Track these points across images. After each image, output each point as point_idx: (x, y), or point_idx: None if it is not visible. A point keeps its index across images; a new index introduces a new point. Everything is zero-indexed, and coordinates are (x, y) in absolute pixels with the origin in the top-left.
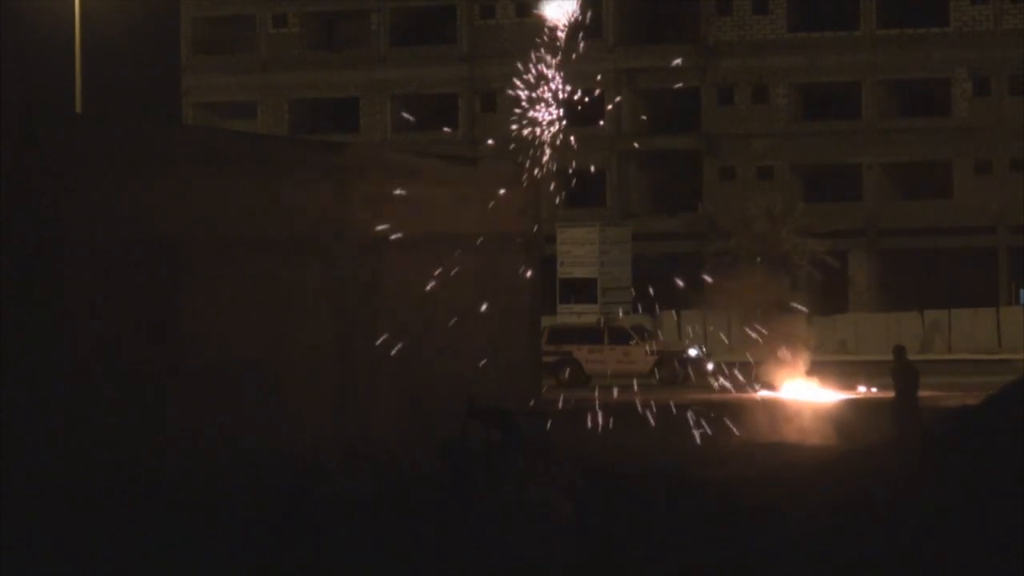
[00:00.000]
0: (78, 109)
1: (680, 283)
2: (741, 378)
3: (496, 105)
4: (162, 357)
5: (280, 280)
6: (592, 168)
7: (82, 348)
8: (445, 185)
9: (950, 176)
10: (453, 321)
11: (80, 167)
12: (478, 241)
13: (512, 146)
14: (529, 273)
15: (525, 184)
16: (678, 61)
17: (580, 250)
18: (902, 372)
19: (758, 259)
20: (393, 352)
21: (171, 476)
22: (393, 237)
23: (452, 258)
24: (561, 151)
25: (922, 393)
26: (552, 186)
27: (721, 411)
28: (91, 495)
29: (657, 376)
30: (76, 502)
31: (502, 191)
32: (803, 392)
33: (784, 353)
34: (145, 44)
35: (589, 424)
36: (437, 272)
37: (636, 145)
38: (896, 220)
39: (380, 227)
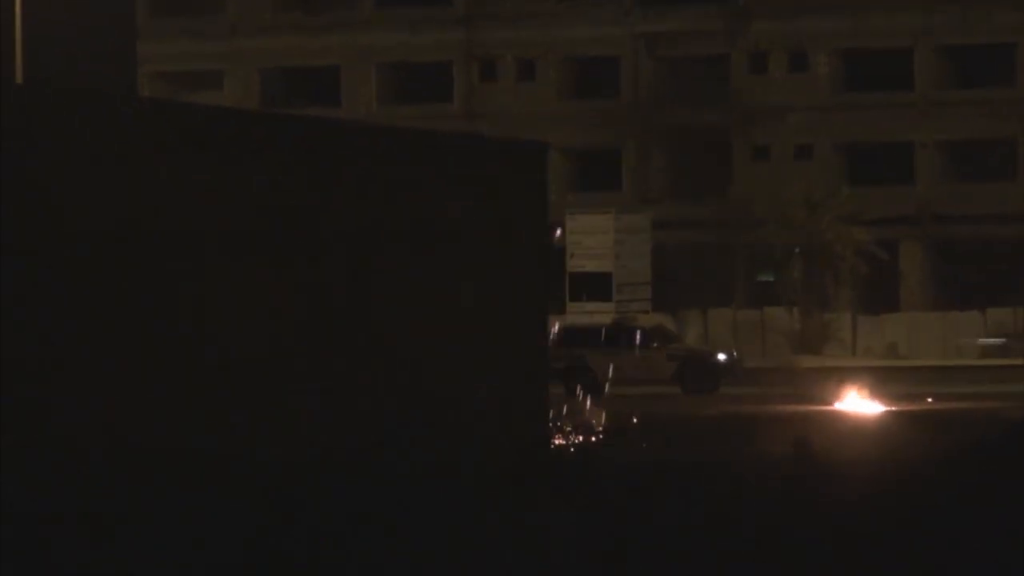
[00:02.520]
0: (17, 79)
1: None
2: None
3: (497, 74)
4: (157, 355)
5: (266, 275)
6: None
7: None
8: (442, 166)
9: (1015, 155)
10: (449, 320)
11: (75, 155)
12: (479, 230)
13: None
14: (536, 266)
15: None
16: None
17: (592, 240)
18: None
19: (796, 250)
20: (383, 352)
21: (166, 475)
22: (383, 227)
23: (449, 249)
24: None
25: (982, 404)
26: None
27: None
28: (86, 494)
29: (681, 384)
30: (72, 502)
31: (507, 173)
32: (855, 404)
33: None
34: (96, 3)
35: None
36: (432, 266)
37: (656, 120)
38: (953, 205)
39: (368, 216)
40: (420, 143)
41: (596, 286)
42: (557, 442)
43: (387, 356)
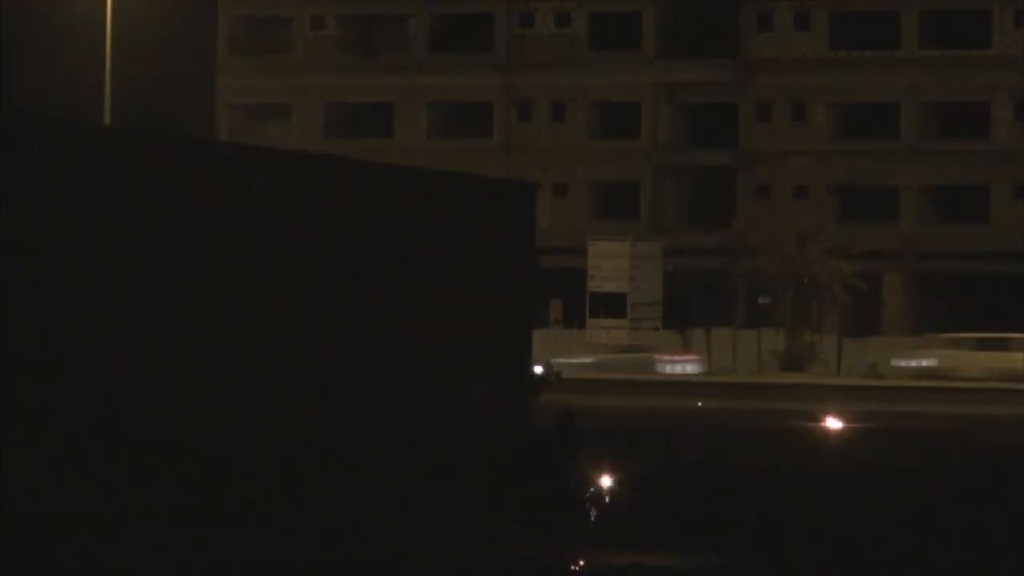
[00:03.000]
0: (108, 110)
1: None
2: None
3: (532, 115)
4: (157, 355)
5: (267, 296)
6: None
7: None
8: (440, 201)
9: (988, 200)
10: (442, 338)
11: (77, 167)
12: (472, 258)
13: None
14: (522, 291)
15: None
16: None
17: (610, 264)
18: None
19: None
20: (383, 352)
21: (166, 475)
22: (383, 253)
23: (444, 275)
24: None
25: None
26: None
27: None
28: (86, 494)
29: None
30: (72, 502)
31: (501, 208)
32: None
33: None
34: (181, 43)
35: None
36: (427, 290)
37: (672, 159)
38: (933, 243)
39: (369, 243)
40: (426, 179)
41: (613, 305)
42: None
43: (387, 356)
